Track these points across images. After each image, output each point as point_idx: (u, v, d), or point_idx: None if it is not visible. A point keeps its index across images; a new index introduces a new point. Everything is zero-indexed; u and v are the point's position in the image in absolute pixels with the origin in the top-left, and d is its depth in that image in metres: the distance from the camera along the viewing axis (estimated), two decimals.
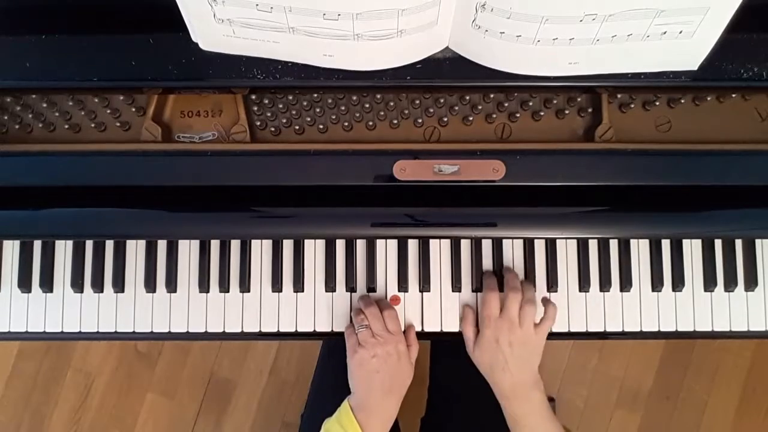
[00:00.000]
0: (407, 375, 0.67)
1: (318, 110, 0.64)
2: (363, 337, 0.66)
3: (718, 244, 0.72)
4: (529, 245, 0.72)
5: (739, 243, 0.72)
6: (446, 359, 0.94)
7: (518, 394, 0.64)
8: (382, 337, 0.65)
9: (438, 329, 0.72)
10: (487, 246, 0.73)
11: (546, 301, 0.70)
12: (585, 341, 1.43)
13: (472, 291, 0.72)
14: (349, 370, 0.67)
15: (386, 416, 0.65)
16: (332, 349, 0.93)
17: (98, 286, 0.72)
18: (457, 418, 0.85)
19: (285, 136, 0.66)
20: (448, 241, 0.72)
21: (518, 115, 0.65)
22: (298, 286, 0.72)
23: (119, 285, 0.72)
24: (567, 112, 0.64)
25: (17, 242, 0.73)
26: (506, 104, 0.65)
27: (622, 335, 0.72)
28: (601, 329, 0.72)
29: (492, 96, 0.64)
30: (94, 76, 0.57)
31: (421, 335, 0.72)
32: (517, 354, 0.64)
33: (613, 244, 0.72)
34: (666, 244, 0.72)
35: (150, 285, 0.72)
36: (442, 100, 0.64)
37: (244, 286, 0.72)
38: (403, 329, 0.71)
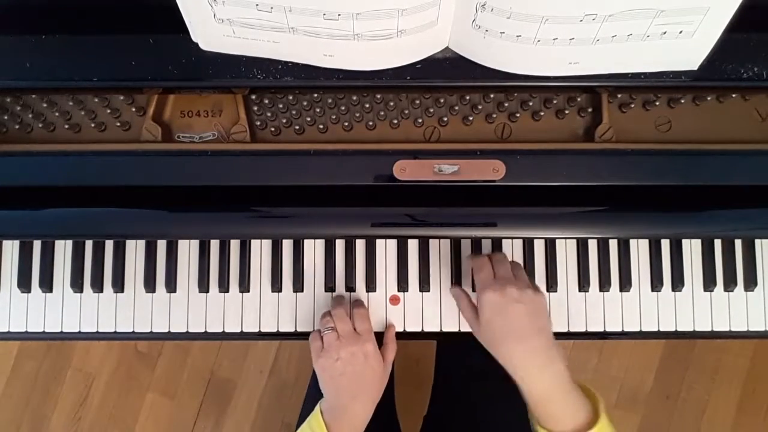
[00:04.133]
0: (377, 375, 0.64)
1: (318, 110, 0.64)
2: (327, 340, 0.64)
3: (717, 244, 0.72)
4: (528, 245, 0.72)
5: (738, 243, 0.72)
6: (451, 358, 0.94)
7: (535, 362, 0.56)
8: (347, 338, 0.64)
9: (437, 329, 0.72)
10: (486, 246, 0.73)
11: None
12: (585, 341, 1.43)
13: (472, 291, 0.72)
14: (317, 375, 0.65)
15: (356, 419, 0.63)
16: None
17: (98, 286, 0.72)
18: (461, 416, 0.85)
19: (285, 136, 0.66)
20: (448, 241, 0.72)
21: (518, 115, 0.65)
22: (298, 286, 0.72)
23: (119, 285, 0.72)
24: (567, 112, 0.65)
25: (17, 242, 0.73)
26: (506, 104, 0.65)
27: (622, 335, 0.72)
28: (601, 329, 0.72)
29: (492, 96, 0.64)
30: (94, 76, 0.57)
31: (421, 335, 0.72)
32: (525, 311, 0.57)
33: (613, 244, 0.72)
34: (665, 244, 0.72)
35: (149, 285, 0.72)
36: (442, 100, 0.64)
37: (244, 286, 0.72)
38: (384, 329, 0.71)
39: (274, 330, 0.72)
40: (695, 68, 0.55)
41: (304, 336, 0.72)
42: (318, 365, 0.65)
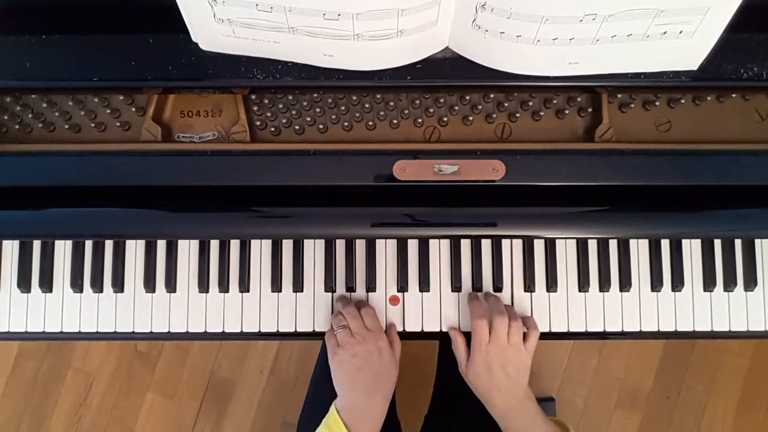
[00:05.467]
0: (391, 371, 0.66)
1: (318, 110, 0.64)
2: (342, 337, 0.66)
3: (717, 244, 0.72)
4: (528, 245, 0.72)
5: (738, 243, 0.72)
6: (453, 358, 0.94)
7: (514, 410, 0.65)
8: (361, 335, 0.65)
9: (437, 329, 0.72)
10: (486, 246, 0.73)
11: (525, 318, 0.70)
12: (585, 341, 1.43)
13: (472, 291, 0.72)
14: (332, 372, 0.66)
15: (374, 415, 0.64)
16: None
17: (98, 286, 0.72)
18: (462, 416, 0.85)
19: (285, 136, 0.66)
20: (447, 241, 0.72)
21: (518, 115, 0.65)
22: (298, 286, 0.72)
23: (118, 285, 0.72)
24: (567, 112, 0.65)
25: (17, 242, 0.73)
26: (506, 104, 0.65)
27: (622, 335, 0.72)
28: (601, 329, 0.72)
29: (492, 96, 0.64)
30: (94, 76, 0.57)
31: (421, 335, 0.72)
32: (510, 375, 0.65)
33: (613, 244, 0.72)
34: (665, 244, 0.72)
35: (149, 285, 0.72)
36: (442, 100, 0.64)
37: (244, 286, 0.72)
38: (384, 329, 0.71)
39: (274, 330, 0.72)
40: (695, 68, 0.55)
41: (304, 336, 0.72)
42: (334, 362, 0.66)
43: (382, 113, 0.65)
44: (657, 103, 0.64)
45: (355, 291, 0.73)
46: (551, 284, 0.72)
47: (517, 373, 0.65)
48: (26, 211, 0.63)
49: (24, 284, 0.72)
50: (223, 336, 0.72)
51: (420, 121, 0.65)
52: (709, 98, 0.64)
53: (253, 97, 0.65)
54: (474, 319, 0.67)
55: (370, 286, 0.72)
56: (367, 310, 0.68)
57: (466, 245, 0.72)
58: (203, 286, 0.72)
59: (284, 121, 0.65)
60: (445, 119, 0.65)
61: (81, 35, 0.57)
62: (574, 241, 0.72)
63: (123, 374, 1.46)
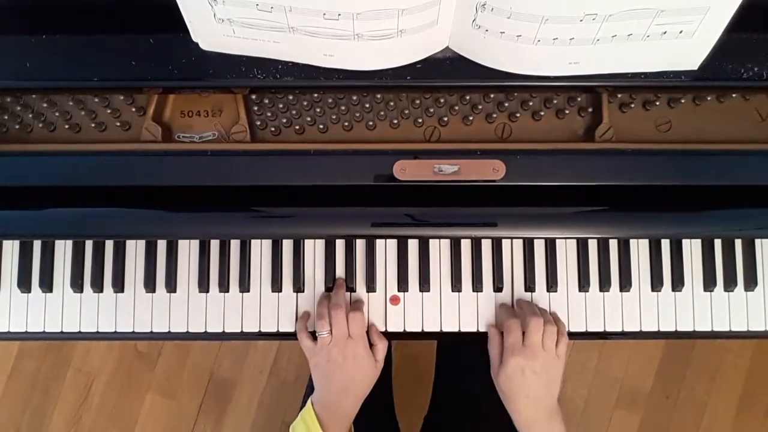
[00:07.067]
0: (366, 375, 0.67)
1: (318, 110, 0.64)
2: (321, 342, 0.67)
3: (717, 244, 0.72)
4: (528, 245, 0.72)
5: (738, 243, 0.72)
6: (453, 359, 0.94)
7: (540, 425, 0.64)
8: (340, 341, 0.66)
9: (437, 329, 0.72)
10: (486, 246, 0.73)
11: (556, 320, 0.69)
12: (585, 341, 1.43)
13: (472, 291, 0.72)
14: (311, 371, 0.69)
15: (343, 413, 0.67)
16: None
17: (98, 286, 0.72)
18: (462, 417, 0.85)
19: (285, 136, 0.66)
20: (447, 241, 0.72)
21: (518, 115, 0.65)
22: (298, 286, 0.72)
23: (119, 285, 0.72)
24: (567, 112, 0.65)
25: (17, 242, 0.73)
26: (506, 104, 0.65)
27: (622, 335, 0.72)
28: (601, 329, 0.72)
29: (492, 96, 0.64)
30: (94, 76, 0.57)
31: (421, 335, 0.72)
32: (542, 382, 0.63)
33: (613, 244, 0.72)
34: (666, 244, 0.72)
35: (150, 285, 0.72)
36: (442, 100, 0.64)
37: (244, 286, 0.72)
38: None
39: (274, 330, 0.72)
40: (695, 68, 0.55)
41: None
42: (311, 363, 0.68)
43: (382, 113, 0.65)
44: (657, 103, 0.64)
45: (355, 291, 0.73)
46: (551, 284, 0.72)
47: (549, 381, 0.64)
48: (26, 211, 0.64)
49: (24, 284, 0.72)
50: (223, 336, 0.72)
51: (420, 121, 0.65)
52: (709, 98, 0.64)
53: (254, 97, 0.65)
54: (507, 319, 0.66)
55: (370, 286, 0.72)
56: (355, 315, 0.68)
57: (466, 245, 0.72)
58: (203, 286, 0.72)
59: (284, 121, 0.65)
60: (445, 119, 0.65)
61: (81, 35, 0.57)
62: (574, 241, 0.72)
63: (123, 374, 1.46)
